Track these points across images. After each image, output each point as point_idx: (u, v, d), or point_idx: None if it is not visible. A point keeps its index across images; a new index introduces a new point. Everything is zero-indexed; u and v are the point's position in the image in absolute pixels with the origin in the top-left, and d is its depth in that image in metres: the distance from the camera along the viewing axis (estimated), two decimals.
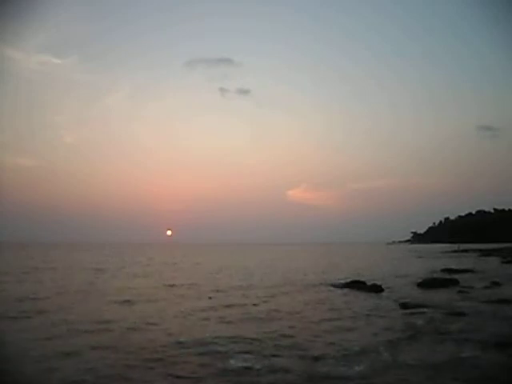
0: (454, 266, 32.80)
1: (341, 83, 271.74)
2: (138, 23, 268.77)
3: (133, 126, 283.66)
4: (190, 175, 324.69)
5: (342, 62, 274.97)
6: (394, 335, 10.69)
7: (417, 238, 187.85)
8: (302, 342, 9.97)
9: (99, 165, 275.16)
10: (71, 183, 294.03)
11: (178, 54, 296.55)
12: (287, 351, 9.12)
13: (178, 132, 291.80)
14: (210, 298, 17.54)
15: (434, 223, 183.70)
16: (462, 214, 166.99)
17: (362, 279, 22.29)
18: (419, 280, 22.61)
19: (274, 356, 8.71)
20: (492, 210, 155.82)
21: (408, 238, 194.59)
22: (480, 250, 69.89)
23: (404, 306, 15.03)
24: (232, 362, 8.31)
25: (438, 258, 57.12)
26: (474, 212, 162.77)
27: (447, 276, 25.66)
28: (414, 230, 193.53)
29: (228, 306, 15.08)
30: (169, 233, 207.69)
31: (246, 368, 7.91)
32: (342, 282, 22.37)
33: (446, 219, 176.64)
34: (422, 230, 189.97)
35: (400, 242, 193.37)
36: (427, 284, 21.52)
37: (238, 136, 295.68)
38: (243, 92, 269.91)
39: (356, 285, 21.23)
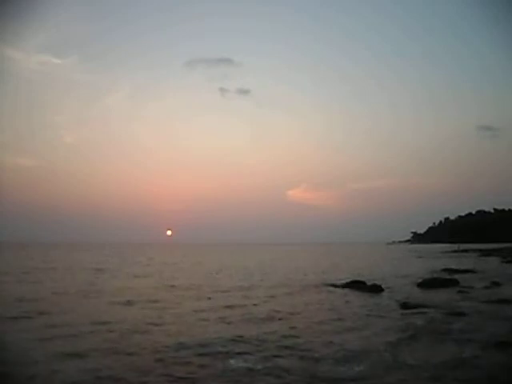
0: (454, 266, 32.81)
1: (341, 83, 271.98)
2: (137, 23, 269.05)
3: (133, 126, 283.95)
4: (189, 175, 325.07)
5: (342, 62, 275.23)
6: (395, 335, 10.68)
7: (417, 237, 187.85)
8: (302, 342, 9.96)
9: (99, 165, 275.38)
10: (71, 183, 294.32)
11: (178, 53, 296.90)
12: (288, 352, 9.11)
13: (178, 132, 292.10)
14: (210, 298, 17.55)
15: (434, 223, 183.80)
16: (462, 214, 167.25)
17: (362, 279, 22.29)
18: (419, 280, 22.62)
19: (274, 357, 8.70)
20: (492, 210, 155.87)
21: (408, 237, 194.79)
22: (480, 250, 69.92)
23: (404, 306, 15.04)
24: (232, 362, 8.31)
25: (438, 257, 57.13)
26: (474, 212, 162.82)
27: (447, 276, 25.67)
28: (414, 230, 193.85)
29: (228, 307, 15.06)
30: (169, 233, 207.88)
31: (247, 369, 7.90)
32: (342, 282, 22.37)
33: (446, 219, 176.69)
34: (422, 230, 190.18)
35: (400, 241, 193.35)
36: (427, 284, 21.53)
37: (237, 136, 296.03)
38: (243, 92, 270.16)
39: (356, 285, 21.24)
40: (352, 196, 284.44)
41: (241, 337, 10.28)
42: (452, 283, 21.80)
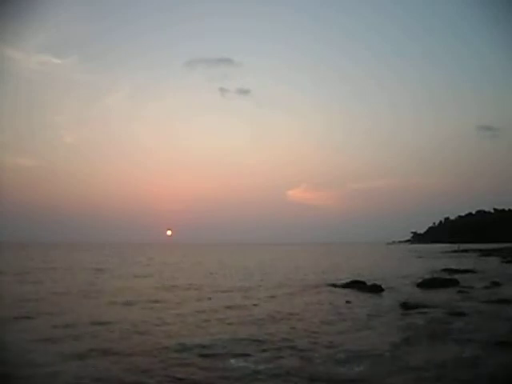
0: (454, 266, 32.82)
1: (341, 83, 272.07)
2: (138, 23, 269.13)
3: (133, 126, 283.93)
4: (190, 175, 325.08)
5: (342, 62, 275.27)
6: (395, 336, 10.68)
7: (417, 237, 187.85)
8: (303, 343, 9.95)
9: (99, 165, 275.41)
10: (71, 183, 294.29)
11: (178, 53, 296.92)
12: (288, 352, 9.11)
13: (178, 132, 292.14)
14: (210, 298, 17.54)
15: (434, 223, 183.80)
16: (462, 214, 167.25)
17: (362, 279, 22.29)
18: (419, 280, 22.63)
19: (275, 357, 8.69)
20: (492, 210, 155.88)
21: (408, 237, 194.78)
22: (480, 250, 69.93)
23: (404, 306, 15.04)
24: (233, 363, 8.30)
25: (438, 257, 57.13)
26: (474, 212, 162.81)
27: (447, 276, 25.67)
28: (414, 230, 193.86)
29: (229, 307, 15.04)
30: (169, 233, 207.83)
31: (248, 370, 7.89)
32: (343, 282, 22.38)
33: (446, 219, 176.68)
34: (422, 230, 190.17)
35: (400, 241, 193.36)
36: (427, 284, 21.53)
37: (238, 136, 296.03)
38: (243, 92, 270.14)
39: (356, 285, 21.25)
40: (352, 196, 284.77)
41: (241, 338, 10.27)
42: (452, 283, 21.80)
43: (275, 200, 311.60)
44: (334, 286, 21.84)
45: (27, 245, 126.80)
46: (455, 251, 75.87)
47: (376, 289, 19.93)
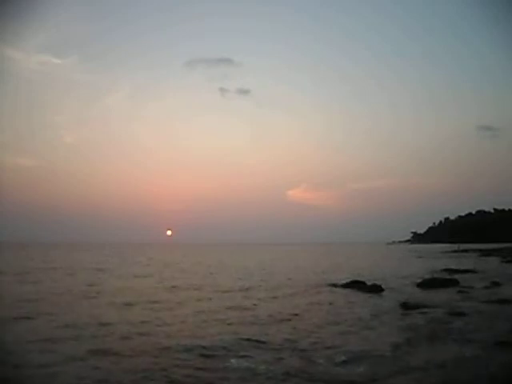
0: (454, 266, 32.82)
1: (341, 83, 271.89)
2: (138, 23, 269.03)
3: (133, 126, 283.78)
4: (190, 175, 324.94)
5: (342, 62, 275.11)
6: (395, 336, 10.69)
7: (417, 237, 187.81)
8: (303, 343, 9.94)
9: (99, 165, 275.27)
10: (71, 183, 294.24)
11: (178, 53, 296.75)
12: (289, 353, 9.11)
13: (178, 132, 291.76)
14: (211, 299, 17.54)
15: (434, 223, 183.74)
16: (462, 214, 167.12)
17: (363, 279, 22.29)
18: (419, 280, 22.63)
19: (275, 358, 8.68)
20: (492, 210, 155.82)
21: (408, 237, 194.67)
22: (480, 250, 69.92)
23: (404, 306, 15.04)
24: (234, 364, 8.28)
25: (438, 258, 57.14)
26: (474, 212, 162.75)
27: (447, 276, 25.68)
28: (414, 230, 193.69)
29: (229, 308, 15.03)
30: (169, 233, 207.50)
31: (249, 371, 7.87)
32: (343, 282, 22.37)
33: (446, 219, 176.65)
34: (422, 230, 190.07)
35: (400, 241, 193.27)
36: (427, 284, 21.53)
37: (238, 136, 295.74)
38: (243, 92, 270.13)
39: (356, 285, 21.25)
40: (352, 196, 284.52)
41: (242, 338, 10.24)
42: (452, 283, 21.80)
43: (275, 200, 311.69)
44: (335, 286, 21.84)
45: (27, 245, 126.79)
46: (455, 251, 75.87)
47: (376, 289, 19.94)
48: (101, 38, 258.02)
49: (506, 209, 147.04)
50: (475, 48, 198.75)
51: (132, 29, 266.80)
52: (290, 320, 12.86)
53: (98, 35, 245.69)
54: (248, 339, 10.13)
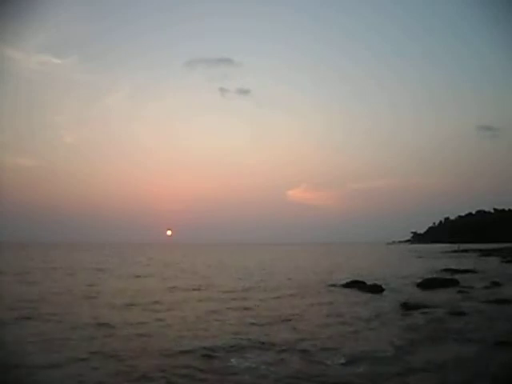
0: (454, 266, 32.82)
1: (341, 83, 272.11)
2: (138, 23, 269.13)
3: (133, 126, 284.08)
4: (190, 175, 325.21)
5: (342, 62, 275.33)
6: (396, 336, 10.69)
7: (417, 237, 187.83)
8: (304, 344, 9.92)
9: (99, 165, 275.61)
10: (71, 183, 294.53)
11: (178, 53, 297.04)
12: (290, 354, 9.10)
13: (178, 132, 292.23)
14: (211, 299, 17.51)
15: (434, 223, 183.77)
16: (462, 214, 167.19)
17: (363, 279, 22.30)
18: (419, 280, 22.61)
19: (276, 359, 8.67)
20: (492, 210, 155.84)
21: (408, 237, 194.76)
22: (480, 250, 69.93)
23: (405, 306, 15.04)
24: (234, 365, 8.27)
25: (438, 258, 57.13)
26: (474, 212, 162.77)
27: (447, 276, 25.66)
28: (414, 230, 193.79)
29: (229, 308, 15.00)
30: (169, 233, 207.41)
31: (249, 371, 7.87)
32: (343, 282, 22.37)
33: (446, 219, 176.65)
34: (422, 230, 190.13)
35: (400, 242, 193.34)
36: (427, 284, 21.52)
37: (238, 136, 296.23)
38: (243, 92, 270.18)
39: (356, 285, 21.26)
40: (352, 196, 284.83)
41: (243, 339, 10.23)
42: (452, 283, 21.79)
43: (275, 200, 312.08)
44: (335, 286, 21.83)
45: (27, 245, 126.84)
46: (455, 251, 75.86)
47: (376, 289, 19.93)
48: (101, 38, 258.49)
49: (506, 209, 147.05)
50: (475, 48, 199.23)
51: (132, 29, 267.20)
52: (290, 320, 12.82)
53: (97, 35, 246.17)
54: (248, 340, 10.11)
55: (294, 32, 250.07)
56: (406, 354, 9.01)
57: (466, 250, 75.31)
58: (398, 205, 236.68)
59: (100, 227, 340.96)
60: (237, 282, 24.73)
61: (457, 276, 25.46)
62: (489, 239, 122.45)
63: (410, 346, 9.71)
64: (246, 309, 14.95)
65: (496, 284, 21.82)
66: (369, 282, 21.23)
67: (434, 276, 25.24)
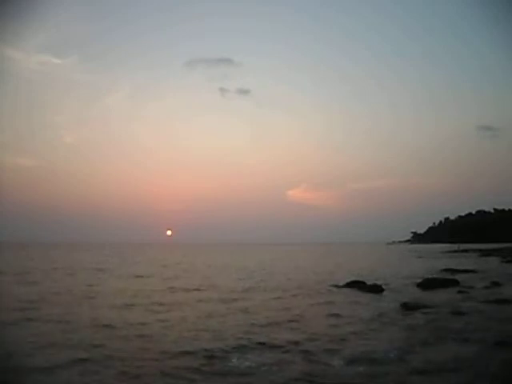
0: (454, 266, 32.81)
1: (341, 83, 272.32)
2: (138, 23, 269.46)
3: (133, 126, 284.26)
4: (190, 175, 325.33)
5: (342, 62, 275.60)
6: (396, 336, 10.72)
7: (417, 237, 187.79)
8: (304, 344, 9.92)
9: (99, 165, 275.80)
10: (71, 183, 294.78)
11: (178, 53, 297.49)
12: (291, 354, 9.10)
13: (178, 132, 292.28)
14: (211, 300, 17.49)
15: (434, 223, 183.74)
16: (462, 214, 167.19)
17: (363, 279, 22.31)
18: (419, 280, 22.60)
19: (277, 359, 8.64)
20: (492, 210, 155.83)
21: (408, 237, 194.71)
22: (480, 250, 69.91)
23: (405, 306, 15.04)
24: (235, 365, 8.27)
25: (438, 258, 57.13)
26: (474, 212, 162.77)
27: (447, 276, 25.65)
28: (414, 230, 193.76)
29: (229, 309, 15.00)
30: (169, 233, 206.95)
31: (249, 371, 7.87)
32: (343, 282, 22.37)
33: (446, 219, 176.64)
34: (422, 230, 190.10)
35: (400, 241, 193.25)
36: (427, 284, 21.52)
37: (238, 136, 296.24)
38: (243, 92, 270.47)
39: (356, 285, 21.26)
40: (352, 196, 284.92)
41: (243, 340, 10.21)
42: (452, 283, 21.79)
43: (275, 200, 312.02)
44: (335, 286, 21.82)
45: (27, 245, 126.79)
46: (455, 251, 75.86)
47: (376, 289, 19.94)
48: (101, 38, 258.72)
49: (506, 209, 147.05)
50: (475, 48, 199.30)
51: (132, 29, 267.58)
52: (290, 321, 12.79)
53: (97, 35, 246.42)
54: (249, 341, 10.10)
55: (294, 32, 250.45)
56: (407, 354, 9.00)
57: (466, 250, 75.30)
58: (398, 205, 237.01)
59: (100, 227, 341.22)
60: (237, 282, 24.73)
61: (457, 276, 25.46)
62: (489, 239, 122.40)
63: (411, 346, 9.70)
64: (247, 309, 14.93)
65: (496, 284, 21.82)
66: (369, 282, 21.24)
67: (434, 276, 25.23)
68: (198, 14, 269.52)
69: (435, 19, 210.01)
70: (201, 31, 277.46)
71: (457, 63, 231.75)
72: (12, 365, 8.29)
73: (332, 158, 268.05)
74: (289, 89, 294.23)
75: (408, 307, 14.81)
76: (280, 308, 15.20)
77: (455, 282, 22.02)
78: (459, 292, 19.10)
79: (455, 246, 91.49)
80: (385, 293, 19.33)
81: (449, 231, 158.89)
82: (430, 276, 24.87)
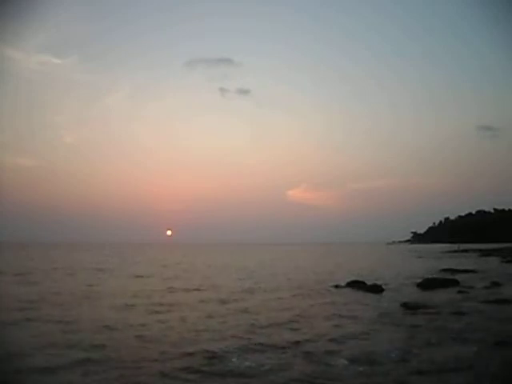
0: (454, 266, 32.82)
1: (341, 83, 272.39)
2: (138, 23, 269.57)
3: (133, 126, 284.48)
4: (190, 175, 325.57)
5: (342, 62, 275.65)
6: (396, 336, 10.72)
7: (417, 237, 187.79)
8: (305, 345, 9.92)
9: (99, 165, 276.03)
10: (71, 183, 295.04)
11: (178, 53, 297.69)
12: (291, 354, 9.11)
13: (178, 132, 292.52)
14: (211, 300, 17.48)
15: (434, 223, 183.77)
16: (462, 214, 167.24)
17: (363, 279, 22.32)
18: (419, 280, 22.61)
19: (278, 360, 8.64)
20: (492, 210, 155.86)
21: (408, 237, 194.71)
22: (480, 250, 69.93)
23: (404, 306, 15.05)
24: (236, 365, 8.26)
25: (438, 258, 57.13)
26: (474, 212, 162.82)
27: (447, 276, 25.65)
28: (414, 230, 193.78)
29: (230, 309, 15.00)
30: (169, 233, 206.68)
31: (251, 372, 7.86)
32: (343, 282, 22.38)
33: (446, 219, 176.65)
34: (422, 230, 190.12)
35: (400, 242, 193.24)
36: (427, 284, 21.53)
37: (238, 136, 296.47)
38: (243, 92, 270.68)
39: (356, 285, 21.27)
40: (352, 196, 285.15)
41: (244, 340, 10.21)
42: (452, 283, 21.79)
43: (275, 200, 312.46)
44: (335, 286, 21.81)
45: (27, 245, 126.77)
46: (455, 251, 75.88)
47: (376, 289, 19.95)
48: (101, 38, 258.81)
49: (506, 209, 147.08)
50: (475, 48, 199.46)
51: (132, 29, 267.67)
52: (291, 321, 12.78)
53: (98, 35, 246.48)
54: (250, 341, 10.08)
55: (294, 32, 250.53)
56: (407, 354, 9.00)
57: (466, 250, 75.32)
58: (398, 205, 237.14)
59: (100, 227, 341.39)
60: (237, 282, 24.73)
61: (457, 276, 25.46)
62: (489, 239, 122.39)
63: (411, 346, 9.70)
64: (247, 309, 14.92)
65: (496, 284, 21.82)
66: (369, 282, 21.25)
67: (434, 276, 25.24)
68: (197, 13, 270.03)
69: (435, 19, 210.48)
70: (201, 31, 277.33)
71: (457, 63, 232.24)
72: (12, 365, 8.28)
73: (332, 158, 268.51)
74: (289, 89, 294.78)
75: (408, 307, 14.82)
76: (280, 308, 15.21)
77: (455, 282, 22.03)
78: (459, 292, 19.10)
79: (455, 246, 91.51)
80: (385, 293, 19.34)
81: (449, 231, 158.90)
82: (429, 276, 24.88)
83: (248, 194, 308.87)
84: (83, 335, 10.76)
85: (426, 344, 9.90)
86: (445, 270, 30.33)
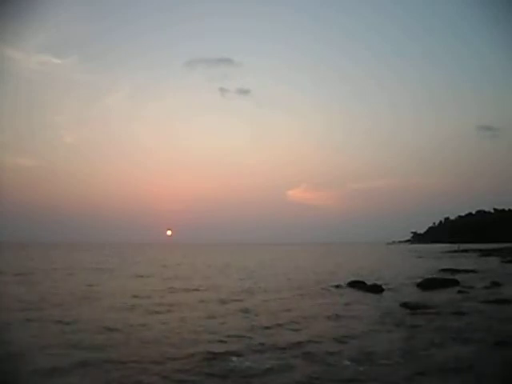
0: (454, 266, 32.83)
1: (341, 83, 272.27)
2: (138, 23, 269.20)
3: (133, 126, 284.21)
4: (190, 175, 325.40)
5: (342, 61, 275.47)
6: (396, 336, 10.72)
7: (417, 238, 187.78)
8: (305, 345, 9.92)
9: (99, 165, 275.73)
10: (71, 183, 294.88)
11: (178, 53, 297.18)
12: (292, 354, 9.11)
13: (178, 132, 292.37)
14: (211, 300, 17.47)
15: (434, 223, 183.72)
16: (462, 214, 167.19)
17: (363, 279, 22.33)
18: (419, 280, 22.62)
19: (279, 360, 8.64)
20: (492, 210, 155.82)
21: (408, 237, 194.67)
22: (480, 250, 69.92)
23: (404, 306, 15.07)
24: (236, 365, 8.26)
25: (438, 258, 57.12)
26: (474, 212, 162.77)
27: (447, 276, 25.66)
28: (414, 230, 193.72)
29: (230, 309, 15.00)
30: (169, 233, 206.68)
31: (252, 373, 7.86)
32: (343, 282, 22.39)
33: (446, 219, 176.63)
34: (422, 230, 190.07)
35: (400, 242, 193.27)
36: (427, 284, 21.54)
37: (238, 136, 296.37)
38: (243, 92, 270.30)
39: (357, 285, 21.29)
40: (352, 196, 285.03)
41: (244, 340, 10.22)
42: (452, 283, 21.81)
43: (275, 200, 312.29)
44: (335, 286, 21.81)
45: (27, 245, 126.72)
46: (455, 251, 75.87)
47: (376, 289, 19.96)
48: (101, 38, 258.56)
49: (506, 209, 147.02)
50: (475, 48, 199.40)
51: (132, 29, 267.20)
52: (292, 322, 12.76)
53: (98, 35, 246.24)
54: (250, 342, 10.09)
55: (294, 32, 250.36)
56: (407, 354, 9.02)
57: (466, 250, 75.32)
58: (398, 205, 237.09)
59: (100, 227, 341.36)
60: (237, 282, 24.73)
61: (457, 276, 25.47)
62: (489, 239, 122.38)
63: (411, 346, 9.72)
64: (247, 310, 14.89)
65: (496, 284, 21.83)
66: (369, 282, 21.26)
67: (434, 276, 25.26)
68: (197, 13, 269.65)
69: (435, 19, 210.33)
70: (201, 31, 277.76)
71: (457, 63, 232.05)
72: (12, 366, 8.28)
73: (332, 158, 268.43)
74: (289, 89, 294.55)
75: (408, 307, 14.83)
76: (280, 309, 15.19)
77: (455, 282, 22.04)
78: (459, 292, 19.11)
79: (455, 246, 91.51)
80: (385, 293, 19.34)
81: (449, 231, 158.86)
82: (430, 276, 24.89)
83: (248, 194, 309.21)
84: (83, 335, 10.75)
85: (427, 344, 9.91)
86: (445, 270, 30.34)
